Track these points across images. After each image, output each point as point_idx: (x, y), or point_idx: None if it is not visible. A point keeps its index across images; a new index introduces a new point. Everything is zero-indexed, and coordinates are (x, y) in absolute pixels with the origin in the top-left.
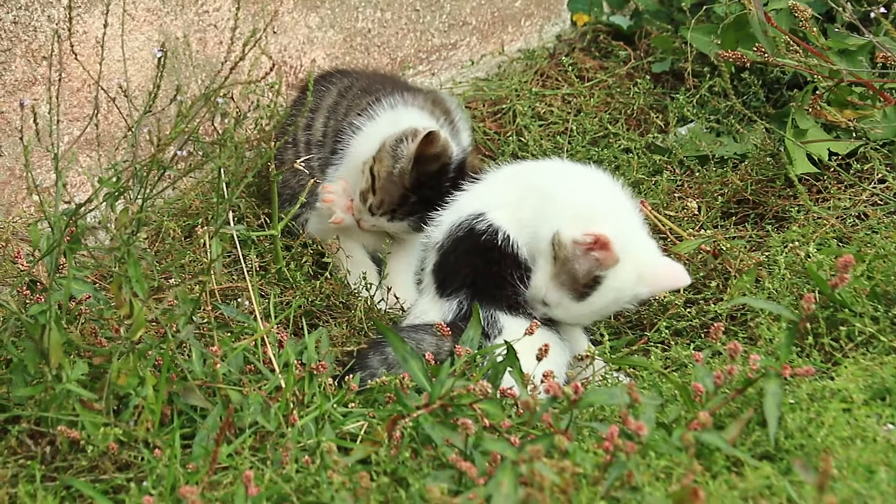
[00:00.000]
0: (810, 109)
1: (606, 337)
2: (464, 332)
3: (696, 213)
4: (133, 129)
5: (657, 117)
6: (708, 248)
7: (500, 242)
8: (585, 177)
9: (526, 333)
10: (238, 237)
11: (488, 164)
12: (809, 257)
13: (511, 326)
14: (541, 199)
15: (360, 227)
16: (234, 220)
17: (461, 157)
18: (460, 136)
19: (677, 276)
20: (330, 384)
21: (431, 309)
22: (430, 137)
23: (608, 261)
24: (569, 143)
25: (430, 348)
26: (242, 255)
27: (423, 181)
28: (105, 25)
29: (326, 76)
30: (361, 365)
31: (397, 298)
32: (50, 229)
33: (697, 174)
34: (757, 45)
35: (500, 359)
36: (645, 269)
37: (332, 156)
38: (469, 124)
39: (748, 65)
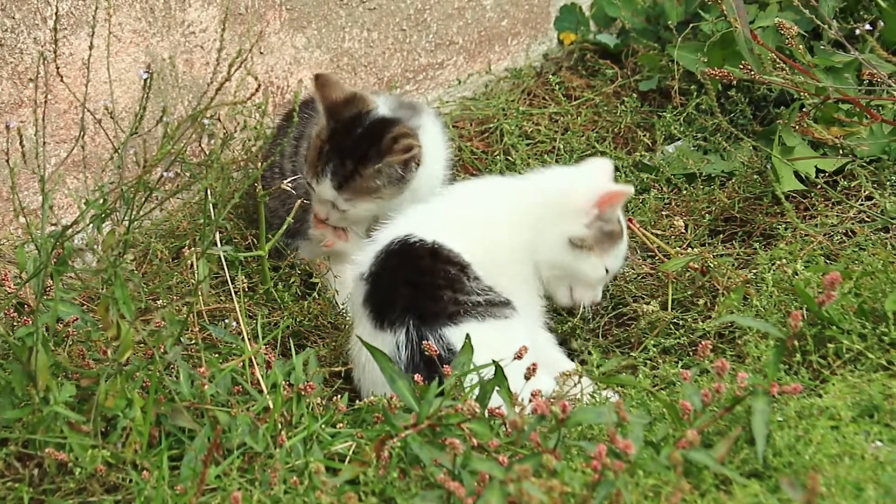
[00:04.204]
0: (797, 127)
1: (595, 356)
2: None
3: (684, 230)
4: (119, 151)
5: (644, 135)
6: (696, 266)
7: (433, 248)
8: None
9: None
10: (225, 258)
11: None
12: (797, 275)
13: (458, 336)
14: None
15: (329, 226)
16: (221, 241)
17: (382, 115)
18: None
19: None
20: (318, 404)
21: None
22: (321, 79)
23: None
24: (556, 161)
25: None
26: (230, 275)
27: (338, 129)
28: (91, 47)
29: (309, 102)
30: None
31: None
32: (37, 251)
33: (685, 192)
34: (743, 62)
35: (487, 377)
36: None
37: None
38: (450, 137)
39: (735, 82)
